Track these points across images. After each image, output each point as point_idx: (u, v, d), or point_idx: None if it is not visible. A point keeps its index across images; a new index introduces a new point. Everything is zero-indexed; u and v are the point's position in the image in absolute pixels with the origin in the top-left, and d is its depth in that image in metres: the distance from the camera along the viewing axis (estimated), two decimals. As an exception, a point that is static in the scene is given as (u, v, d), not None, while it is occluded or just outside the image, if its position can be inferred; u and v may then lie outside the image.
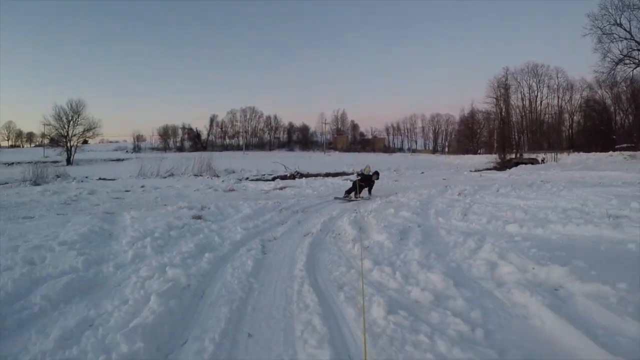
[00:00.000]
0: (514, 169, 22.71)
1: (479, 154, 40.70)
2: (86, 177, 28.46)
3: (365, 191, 10.36)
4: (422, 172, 22.40)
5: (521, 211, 5.84)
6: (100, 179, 27.07)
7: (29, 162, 54.43)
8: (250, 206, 7.34)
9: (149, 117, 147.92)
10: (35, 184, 23.43)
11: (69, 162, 52.23)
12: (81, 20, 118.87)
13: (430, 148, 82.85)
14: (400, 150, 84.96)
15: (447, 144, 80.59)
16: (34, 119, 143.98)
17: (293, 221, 6.40)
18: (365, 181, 10.37)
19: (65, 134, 57.06)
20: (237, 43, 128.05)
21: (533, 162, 27.54)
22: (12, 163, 53.87)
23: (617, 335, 1.92)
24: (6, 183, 25.57)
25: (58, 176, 27.94)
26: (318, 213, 7.26)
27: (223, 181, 17.66)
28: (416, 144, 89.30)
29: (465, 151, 51.75)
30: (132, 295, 2.77)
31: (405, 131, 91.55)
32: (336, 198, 9.72)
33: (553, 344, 1.95)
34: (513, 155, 31.38)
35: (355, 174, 11.05)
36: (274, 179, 20.33)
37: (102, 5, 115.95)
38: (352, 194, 10.02)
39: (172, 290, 2.74)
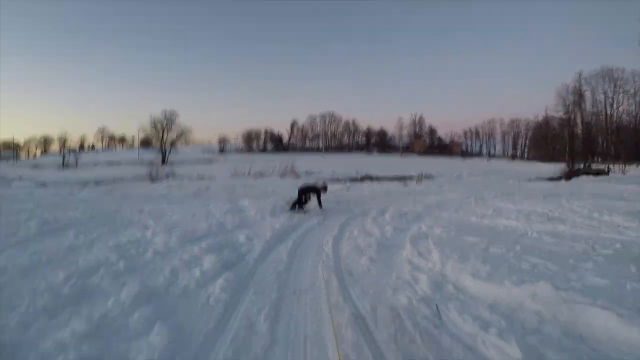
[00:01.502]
0: (573, 179, 24.09)
1: (559, 162, 40.89)
2: (184, 175, 33.20)
3: (313, 204, 10.45)
4: (483, 179, 24.97)
5: (493, 210, 9.16)
6: (198, 177, 31.64)
7: (127, 163, 63.72)
8: (322, 199, 11.71)
9: (233, 121, 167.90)
10: (152, 181, 28.28)
11: (163, 162, 59.91)
12: (170, 26, 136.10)
13: (509, 154, 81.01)
14: (479, 155, 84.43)
15: (525, 150, 78.38)
16: (124, 122, 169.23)
17: (346, 207, 10.77)
18: (313, 191, 10.47)
19: (160, 139, 66.27)
20: (317, 49, 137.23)
21: (600, 172, 28.04)
22: (113, 163, 65.09)
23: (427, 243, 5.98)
24: (120, 180, 31.73)
25: (168, 175, 32.48)
26: (364, 205, 11.36)
27: (304, 182, 22.27)
28: (495, 149, 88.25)
29: (542, 158, 51.35)
30: (267, 227, 7.36)
31: (484, 136, 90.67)
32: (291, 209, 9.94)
33: (398, 244, 6.05)
34: (582, 165, 31.65)
35: (302, 184, 11.13)
36: (346, 181, 24.62)
37: (188, 12, 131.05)
38: (297, 206, 10.09)
39: (282, 227, 7.35)
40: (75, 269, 4.31)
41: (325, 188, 10.70)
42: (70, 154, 68.90)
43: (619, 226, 6.77)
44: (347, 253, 5.41)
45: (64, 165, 65.71)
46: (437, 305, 3.15)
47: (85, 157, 71.91)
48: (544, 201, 10.75)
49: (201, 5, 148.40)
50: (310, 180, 14.82)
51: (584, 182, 20.91)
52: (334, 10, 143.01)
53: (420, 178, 21.69)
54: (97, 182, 29.45)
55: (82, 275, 4.09)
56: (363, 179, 25.83)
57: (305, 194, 10.28)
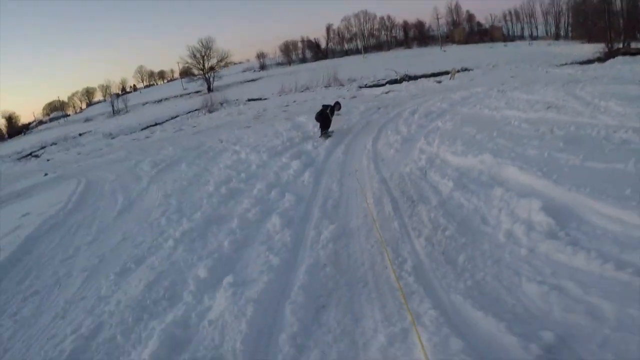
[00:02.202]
0: (609, 61, 23.65)
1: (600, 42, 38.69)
2: (237, 100, 34.86)
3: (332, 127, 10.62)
4: (517, 67, 25.69)
5: (505, 102, 10.68)
6: (249, 99, 33.46)
7: (174, 97, 66.13)
8: (364, 107, 14.18)
9: (268, 35, 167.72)
10: (210, 111, 30.45)
11: (209, 89, 60.41)
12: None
13: (552, 34, 74.87)
14: (521, 38, 78.89)
15: (569, 29, 71.87)
16: (159, 57, 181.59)
17: (384, 111, 13.16)
18: (328, 113, 10.54)
19: (202, 68, 66.44)
20: None
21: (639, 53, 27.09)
22: (161, 100, 67.38)
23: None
24: (176, 116, 34.21)
25: (221, 103, 33.98)
26: (400, 107, 13.70)
27: (347, 90, 24.62)
28: (537, 30, 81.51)
29: (583, 38, 47.92)
30: (320, 130, 10.04)
31: (525, 17, 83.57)
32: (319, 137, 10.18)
33: (417, 138, 8.54)
34: (620, 45, 30.20)
35: (334, 105, 10.83)
36: (386, 83, 26.39)
37: None
38: (327, 130, 10.38)
39: (336, 135, 9.96)
40: (215, 183, 7.29)
41: (339, 105, 11.05)
42: (117, 100, 70.35)
43: (599, 109, 7.78)
44: (382, 147, 8.18)
45: (115, 112, 66.66)
46: (425, 170, 5.83)
47: (131, 99, 74.16)
48: (559, 89, 11.53)
49: None
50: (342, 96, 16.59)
51: (617, 64, 20.69)
52: None
53: (453, 74, 22.95)
54: (158, 122, 32.12)
55: (224, 185, 7.07)
56: (402, 80, 27.23)
57: (323, 117, 10.53)
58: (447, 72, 26.85)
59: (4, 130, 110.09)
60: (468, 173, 5.49)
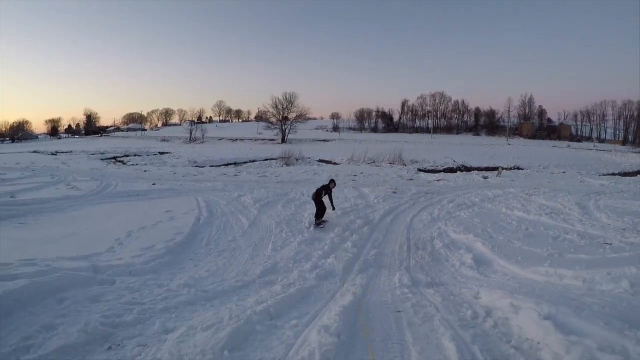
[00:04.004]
0: None
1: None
2: (310, 158, 40.92)
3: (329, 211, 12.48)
4: (564, 172, 29.76)
5: (522, 204, 15.71)
6: (320, 160, 39.50)
7: (249, 139, 75.58)
8: (416, 190, 19.29)
9: (345, 97, 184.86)
10: (287, 164, 36.49)
11: (283, 141, 67.95)
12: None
13: (621, 139, 76.78)
14: (589, 139, 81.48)
15: (637, 135, 73.69)
16: (237, 94, 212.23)
17: (430, 197, 18.19)
18: (324, 192, 12.27)
19: (281, 119, 74.71)
20: (427, 31, 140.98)
21: None
22: (236, 139, 76.40)
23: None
24: (254, 160, 40.63)
25: (297, 159, 39.73)
26: (443, 195, 18.59)
27: (407, 172, 29.81)
28: (605, 133, 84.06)
29: None
30: (381, 208, 15.35)
31: (596, 119, 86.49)
32: (314, 226, 11.85)
33: (440, 220, 13.35)
34: None
35: (330, 182, 12.83)
36: (443, 170, 31.41)
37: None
38: (322, 219, 12.24)
39: (389, 208, 15.38)
40: (309, 222, 12.56)
41: (333, 182, 13.02)
42: (196, 128, 78.71)
43: (586, 219, 12.09)
44: (415, 222, 13.37)
45: (191, 139, 74.61)
46: (434, 238, 10.82)
47: (208, 130, 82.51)
48: (579, 198, 15.52)
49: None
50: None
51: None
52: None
53: (500, 172, 27.42)
54: (237, 162, 38.97)
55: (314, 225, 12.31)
56: (457, 169, 31.96)
57: (319, 202, 12.27)
58: (498, 168, 31.25)
59: (82, 126, 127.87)
60: (456, 242, 10.52)
